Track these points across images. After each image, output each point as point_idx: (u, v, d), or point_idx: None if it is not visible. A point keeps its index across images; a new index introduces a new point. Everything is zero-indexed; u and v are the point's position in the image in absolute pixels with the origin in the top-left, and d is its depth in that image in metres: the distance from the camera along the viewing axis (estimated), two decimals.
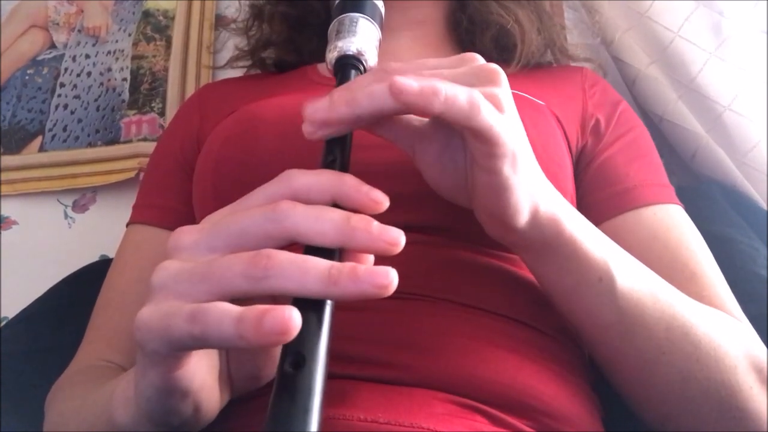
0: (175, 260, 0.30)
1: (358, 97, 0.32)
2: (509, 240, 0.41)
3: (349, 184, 0.30)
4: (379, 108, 0.32)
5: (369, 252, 0.29)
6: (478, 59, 0.37)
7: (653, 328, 0.41)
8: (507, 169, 0.35)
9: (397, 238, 0.29)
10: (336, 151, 0.34)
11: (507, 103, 0.35)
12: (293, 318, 0.25)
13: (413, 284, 0.43)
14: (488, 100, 0.34)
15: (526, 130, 0.38)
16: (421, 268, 0.44)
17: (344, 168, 0.34)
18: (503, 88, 0.35)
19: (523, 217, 0.37)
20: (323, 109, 0.33)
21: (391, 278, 0.27)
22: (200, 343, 0.27)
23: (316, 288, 0.27)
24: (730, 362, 0.41)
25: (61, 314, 0.70)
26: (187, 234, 0.30)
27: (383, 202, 0.30)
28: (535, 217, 0.38)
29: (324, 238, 0.29)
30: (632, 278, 0.42)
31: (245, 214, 0.30)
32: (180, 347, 0.28)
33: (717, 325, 0.43)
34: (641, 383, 0.43)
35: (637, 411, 0.46)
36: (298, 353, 0.27)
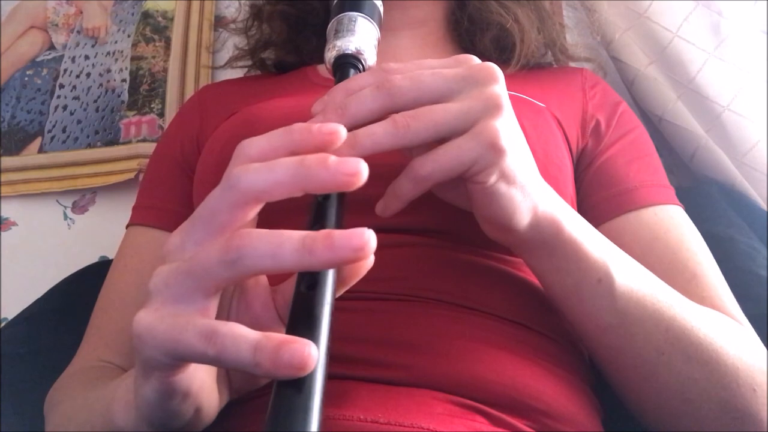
0: (168, 263, 0.30)
1: (350, 108, 0.35)
2: (508, 241, 0.41)
3: (296, 130, 0.30)
4: (370, 117, 0.34)
5: (331, 189, 0.28)
6: (474, 60, 0.37)
7: (653, 330, 0.41)
8: (492, 179, 0.35)
9: (356, 167, 0.27)
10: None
11: (505, 102, 0.35)
12: (312, 355, 0.25)
13: (413, 286, 0.43)
14: (482, 105, 0.34)
15: (527, 132, 0.38)
16: (421, 270, 0.44)
17: None
18: (500, 86, 0.36)
19: (520, 219, 0.37)
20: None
21: (366, 238, 0.26)
22: (212, 362, 0.27)
23: (291, 260, 0.26)
24: (730, 364, 0.41)
25: (61, 315, 0.70)
26: (174, 235, 0.30)
27: (336, 131, 0.30)
28: (534, 218, 0.38)
29: (282, 188, 0.28)
30: (631, 280, 0.42)
31: (210, 195, 0.29)
32: (186, 361, 0.28)
33: (717, 327, 0.43)
34: (640, 384, 0.43)
35: (637, 412, 0.46)
36: None
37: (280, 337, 0.26)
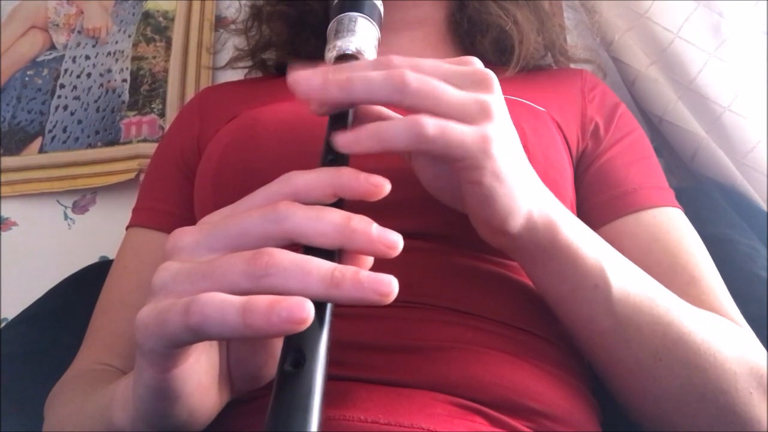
0: (174, 261, 0.30)
1: (353, 81, 0.33)
2: (504, 245, 0.41)
3: (346, 175, 0.30)
4: (370, 98, 0.33)
5: (367, 254, 0.29)
6: (476, 62, 0.37)
7: (650, 335, 0.41)
8: (487, 179, 0.35)
9: (395, 242, 0.29)
10: (336, 151, 0.34)
11: (497, 109, 0.35)
12: (308, 308, 0.25)
13: (413, 292, 0.43)
14: (477, 106, 0.34)
15: (527, 137, 0.38)
16: (421, 275, 0.44)
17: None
18: (495, 95, 0.35)
19: (514, 222, 0.37)
20: (316, 89, 0.34)
21: (392, 287, 0.27)
22: (197, 335, 0.27)
23: (317, 289, 0.27)
24: (729, 368, 0.41)
25: (61, 316, 0.70)
26: (186, 234, 0.30)
27: (384, 185, 0.30)
28: (529, 221, 0.38)
29: (324, 239, 0.28)
30: (628, 284, 0.41)
31: (245, 215, 0.30)
32: (176, 342, 0.28)
33: (716, 330, 0.43)
34: (638, 389, 0.43)
35: (635, 416, 0.46)
36: (298, 352, 0.26)
37: (268, 297, 0.26)
